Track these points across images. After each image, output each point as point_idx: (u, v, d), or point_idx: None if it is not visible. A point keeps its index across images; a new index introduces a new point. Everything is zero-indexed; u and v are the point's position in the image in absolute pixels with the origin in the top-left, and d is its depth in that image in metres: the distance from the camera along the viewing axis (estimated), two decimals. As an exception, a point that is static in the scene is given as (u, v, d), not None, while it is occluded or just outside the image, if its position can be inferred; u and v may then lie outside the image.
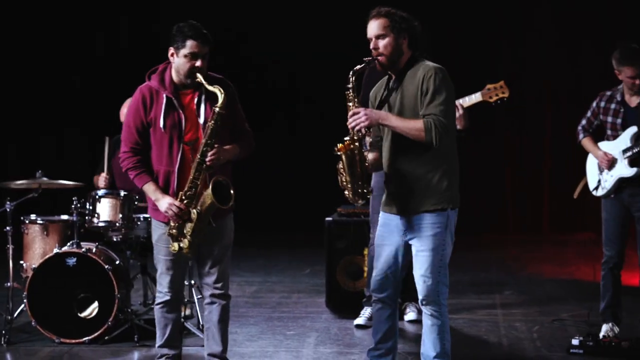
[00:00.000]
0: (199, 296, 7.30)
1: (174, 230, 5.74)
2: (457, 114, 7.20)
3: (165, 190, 5.79)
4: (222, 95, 5.64)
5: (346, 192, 5.57)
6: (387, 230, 5.70)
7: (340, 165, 5.52)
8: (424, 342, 5.66)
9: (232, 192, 5.74)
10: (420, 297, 5.58)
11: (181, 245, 5.74)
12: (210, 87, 5.69)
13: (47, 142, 14.00)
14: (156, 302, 6.02)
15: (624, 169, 7.00)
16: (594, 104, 7.24)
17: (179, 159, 5.76)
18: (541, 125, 14.13)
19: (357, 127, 5.45)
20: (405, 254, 5.67)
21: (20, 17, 13.82)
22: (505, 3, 14.10)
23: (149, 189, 5.78)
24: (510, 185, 14.39)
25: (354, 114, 5.45)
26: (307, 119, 14.07)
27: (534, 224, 14.21)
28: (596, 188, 7.20)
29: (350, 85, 5.55)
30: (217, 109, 5.64)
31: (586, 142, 7.27)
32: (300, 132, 14.24)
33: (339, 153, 5.48)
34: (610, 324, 7.18)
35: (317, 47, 13.31)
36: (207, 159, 5.66)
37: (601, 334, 7.05)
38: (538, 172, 14.16)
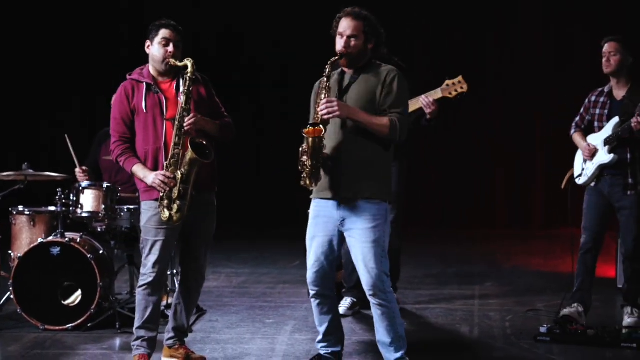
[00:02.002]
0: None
1: (165, 201, 6.01)
2: (429, 109, 7.49)
3: (156, 166, 6.12)
4: (191, 63, 6.07)
5: (304, 175, 5.75)
6: (321, 221, 5.93)
7: (305, 148, 5.71)
8: (378, 330, 5.92)
9: (212, 150, 6.04)
10: (366, 288, 5.81)
11: (171, 213, 6.00)
12: (180, 63, 6.12)
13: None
14: (139, 284, 6.24)
15: (603, 156, 7.27)
16: (587, 100, 7.55)
17: (164, 133, 6.09)
18: (532, 120, 14.29)
19: (329, 116, 5.67)
20: (340, 245, 5.93)
21: (19, 14, 14.10)
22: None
23: (138, 169, 6.11)
24: (501, 181, 14.54)
25: (329, 102, 5.66)
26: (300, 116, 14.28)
27: (525, 219, 14.37)
28: (579, 176, 7.47)
29: (326, 74, 5.80)
30: (188, 75, 6.05)
31: (575, 137, 7.56)
32: (292, 127, 14.43)
33: (306, 136, 5.68)
34: (575, 304, 7.42)
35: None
36: (185, 124, 5.99)
37: (564, 311, 7.34)
38: (530, 167, 14.32)
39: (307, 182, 5.78)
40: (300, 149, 5.74)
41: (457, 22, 14.34)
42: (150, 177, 6.03)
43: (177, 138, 6.01)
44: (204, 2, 14.30)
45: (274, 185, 13.99)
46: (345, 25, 5.80)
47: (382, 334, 5.89)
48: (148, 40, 6.23)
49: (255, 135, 14.64)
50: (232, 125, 6.38)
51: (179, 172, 5.98)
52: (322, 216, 5.94)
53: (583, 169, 7.44)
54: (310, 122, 5.78)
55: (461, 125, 14.39)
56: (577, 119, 7.59)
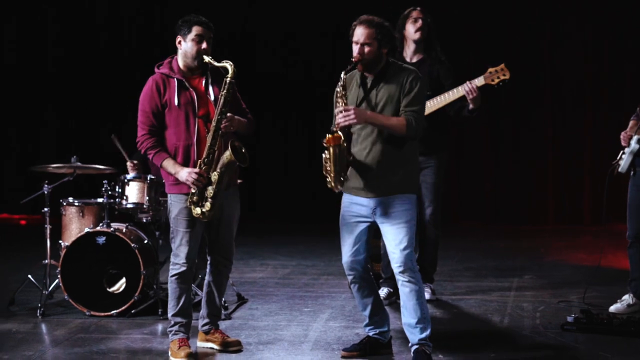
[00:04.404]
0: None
1: (195, 197, 6.29)
2: (472, 95, 7.68)
3: (186, 162, 6.38)
4: (231, 66, 6.29)
5: (328, 179, 6.15)
6: (353, 208, 6.24)
7: (327, 156, 6.08)
8: (404, 313, 6.19)
9: (247, 155, 6.32)
10: (396, 265, 6.11)
11: (203, 210, 6.29)
12: (218, 64, 6.35)
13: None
14: (171, 274, 6.53)
15: (633, 144, 7.47)
16: None
17: (196, 130, 6.34)
18: (581, 117, 14.35)
19: (347, 124, 6.01)
20: (372, 231, 6.22)
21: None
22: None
23: (169, 164, 6.36)
24: (551, 177, 14.61)
25: (345, 111, 5.98)
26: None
27: (575, 216, 14.43)
28: (618, 164, 7.66)
29: (341, 84, 6.11)
30: (228, 79, 6.29)
31: (630, 124, 7.70)
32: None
33: (326, 145, 6.04)
34: (628, 295, 7.72)
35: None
36: (222, 126, 6.26)
37: (611, 308, 7.66)
38: (579, 165, 14.39)
39: (332, 185, 6.17)
40: (323, 157, 6.10)
41: (505, 14, 14.50)
42: (184, 174, 6.28)
43: (213, 140, 6.26)
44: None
45: (325, 181, 14.21)
46: (359, 33, 6.12)
47: (408, 315, 6.16)
48: (179, 36, 6.41)
49: (307, 130, 14.92)
50: (253, 122, 6.63)
51: (215, 173, 6.26)
52: (354, 204, 6.25)
53: (622, 157, 7.61)
54: (330, 130, 6.07)
55: (513, 122, 14.54)
56: (638, 108, 7.73)
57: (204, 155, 6.28)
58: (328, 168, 6.12)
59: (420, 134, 6.09)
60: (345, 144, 6.09)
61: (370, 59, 6.09)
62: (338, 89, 6.10)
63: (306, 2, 14.58)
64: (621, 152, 7.63)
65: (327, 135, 6.04)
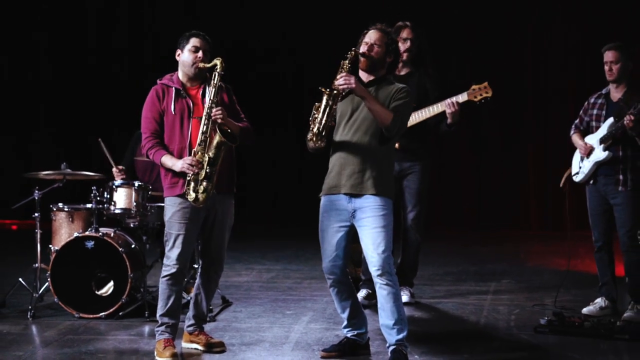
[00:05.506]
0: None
1: (192, 184, 6.57)
2: (451, 110, 7.96)
3: None
4: (220, 61, 6.66)
5: (310, 129, 6.42)
6: (333, 214, 6.49)
7: (319, 104, 6.39)
8: (381, 314, 6.41)
9: (237, 136, 6.64)
10: (374, 269, 6.35)
11: (197, 195, 6.55)
12: (209, 64, 6.71)
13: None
14: (163, 275, 6.78)
15: (599, 154, 7.78)
16: (586, 102, 8.05)
17: (189, 134, 6.67)
18: (565, 123, 14.56)
19: (345, 87, 6.31)
20: (351, 235, 6.47)
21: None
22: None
23: (167, 158, 6.67)
24: (534, 183, 14.85)
25: (347, 76, 6.32)
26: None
27: (557, 222, 14.65)
28: (576, 174, 8.00)
29: (348, 56, 6.45)
30: (217, 72, 6.65)
31: (574, 137, 8.06)
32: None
33: (323, 90, 6.37)
34: (600, 299, 8.02)
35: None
36: (212, 113, 6.57)
37: (584, 310, 7.95)
38: (562, 171, 14.58)
39: (314, 138, 6.40)
40: (314, 106, 6.41)
41: (485, 24, 14.75)
42: (179, 163, 6.59)
43: (205, 127, 6.58)
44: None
45: (315, 188, 14.42)
46: (371, 35, 6.51)
47: (385, 317, 6.39)
48: (178, 50, 6.79)
49: (297, 134, 15.13)
50: (252, 131, 6.92)
51: (206, 155, 6.55)
52: (334, 209, 6.50)
53: (580, 167, 7.94)
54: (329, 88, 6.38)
55: (496, 128, 14.76)
56: (577, 121, 8.09)
57: (197, 141, 6.59)
58: (316, 117, 6.39)
59: (397, 135, 6.36)
60: (335, 108, 6.41)
61: (376, 59, 6.45)
62: (343, 60, 6.41)
63: (304, 4, 14.86)
64: (578, 161, 7.96)
65: (327, 89, 6.36)
